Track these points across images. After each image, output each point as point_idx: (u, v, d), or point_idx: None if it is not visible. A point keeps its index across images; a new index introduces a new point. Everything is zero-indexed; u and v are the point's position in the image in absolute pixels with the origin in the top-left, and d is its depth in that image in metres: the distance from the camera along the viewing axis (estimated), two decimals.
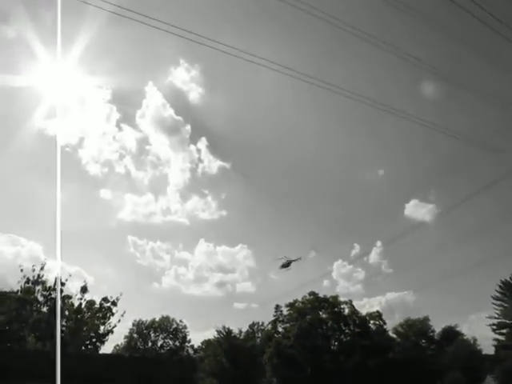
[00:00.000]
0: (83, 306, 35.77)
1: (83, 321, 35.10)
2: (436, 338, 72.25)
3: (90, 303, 36.18)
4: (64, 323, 34.44)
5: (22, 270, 34.41)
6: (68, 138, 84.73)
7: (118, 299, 36.57)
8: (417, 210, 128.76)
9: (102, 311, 36.18)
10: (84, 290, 36.09)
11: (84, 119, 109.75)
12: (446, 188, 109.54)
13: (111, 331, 36.18)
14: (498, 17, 19.83)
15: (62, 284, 35.39)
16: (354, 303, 67.40)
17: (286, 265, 50.02)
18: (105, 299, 36.63)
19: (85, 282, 37.27)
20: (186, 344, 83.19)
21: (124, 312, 37.22)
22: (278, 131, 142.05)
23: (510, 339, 61.45)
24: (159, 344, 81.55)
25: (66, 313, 34.54)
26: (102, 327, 35.97)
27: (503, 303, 65.99)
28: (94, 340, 35.51)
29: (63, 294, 35.14)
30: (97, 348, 35.38)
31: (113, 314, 36.21)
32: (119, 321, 36.29)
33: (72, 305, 35.42)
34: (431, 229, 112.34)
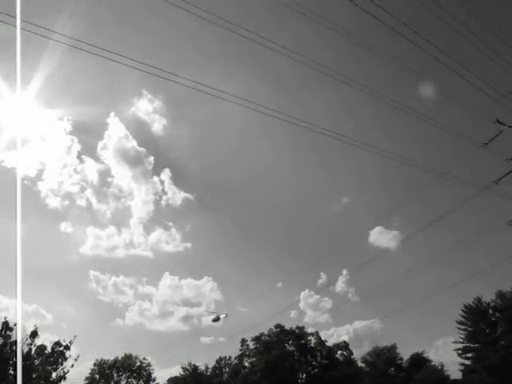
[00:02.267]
0: (33, 351, 33.66)
1: (33, 368, 32.98)
2: (404, 365, 72.08)
3: (41, 348, 34.12)
4: (11, 371, 32.24)
5: None
6: (27, 170, 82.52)
7: (71, 342, 34.58)
8: (381, 236, 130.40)
9: (54, 356, 34.14)
10: (34, 334, 34.04)
11: (44, 151, 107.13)
12: (409, 215, 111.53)
13: (64, 377, 34.06)
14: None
15: (10, 329, 33.32)
16: (322, 333, 66.83)
17: (216, 319, 51.16)
18: (57, 343, 34.62)
19: (35, 326, 35.15)
20: (151, 382, 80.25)
21: (78, 356, 35.18)
22: (244, 163, 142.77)
23: (476, 363, 61.73)
24: None
25: (14, 360, 32.37)
26: (53, 374, 33.84)
27: (467, 327, 66.56)
28: None
29: (10, 340, 33.07)
30: None
31: (66, 359, 34.17)
32: (72, 365, 34.23)
33: (22, 351, 33.26)
34: (395, 255, 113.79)
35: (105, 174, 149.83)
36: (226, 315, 50.09)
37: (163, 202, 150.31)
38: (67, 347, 36.62)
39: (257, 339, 61.07)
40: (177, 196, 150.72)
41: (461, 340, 67.09)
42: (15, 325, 33.84)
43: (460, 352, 67.09)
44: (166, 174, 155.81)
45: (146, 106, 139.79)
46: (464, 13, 21.33)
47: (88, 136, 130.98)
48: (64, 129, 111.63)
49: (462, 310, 67.12)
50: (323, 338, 63.53)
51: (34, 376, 34.76)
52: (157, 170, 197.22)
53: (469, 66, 22.15)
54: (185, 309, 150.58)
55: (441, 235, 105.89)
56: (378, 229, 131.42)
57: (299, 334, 60.47)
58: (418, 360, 70.80)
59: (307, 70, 19.41)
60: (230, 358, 78.46)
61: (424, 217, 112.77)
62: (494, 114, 23.36)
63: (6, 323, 35.12)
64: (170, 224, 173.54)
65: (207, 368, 73.94)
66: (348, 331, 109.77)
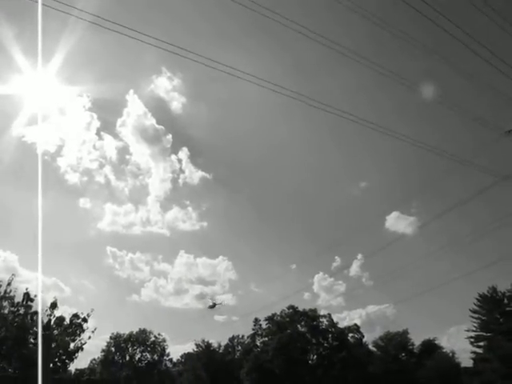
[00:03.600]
0: (52, 322, 34.57)
1: (52, 338, 33.89)
2: (415, 351, 72.33)
3: (60, 319, 35.01)
4: (32, 340, 33.20)
5: None
6: (46, 146, 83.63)
7: (89, 315, 35.23)
8: (398, 222, 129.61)
9: (72, 328, 35.04)
10: (53, 306, 34.87)
11: (64, 127, 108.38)
12: (427, 201, 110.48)
13: (81, 348, 34.95)
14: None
15: (31, 300, 34.23)
16: (335, 316, 67.30)
17: (212, 306, 53.80)
18: (75, 315, 35.43)
19: (55, 298, 35.94)
20: (165, 357, 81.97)
21: (95, 328, 35.83)
22: (262, 143, 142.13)
23: (488, 352, 61.64)
24: (137, 358, 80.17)
25: (34, 329, 33.31)
26: (71, 344, 34.78)
27: (481, 316, 66.33)
28: (63, 357, 34.31)
29: (31, 311, 34.00)
30: (66, 365, 34.22)
31: (83, 331, 35.04)
32: (90, 337, 35.02)
33: (42, 322, 34.14)
34: (412, 241, 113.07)
35: (123, 152, 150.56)
36: (221, 303, 53.54)
37: (180, 181, 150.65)
38: (85, 320, 37.60)
39: (270, 319, 61.75)
40: (194, 175, 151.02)
41: (474, 328, 66.96)
42: (35, 296, 34.95)
43: (472, 340, 67.01)
44: (183, 153, 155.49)
45: (165, 84, 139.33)
46: None
47: (107, 113, 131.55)
48: (83, 105, 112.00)
49: (477, 299, 66.84)
50: (335, 321, 64.04)
51: (53, 346, 35.93)
52: (175, 149, 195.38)
53: (497, 52, 21.62)
54: (199, 287, 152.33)
55: (458, 223, 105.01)
56: (394, 214, 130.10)
57: (312, 316, 60.98)
58: (430, 346, 70.94)
59: (327, 50, 19.18)
60: (242, 336, 79.70)
61: (442, 204, 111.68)
62: None
63: (27, 294, 36.14)
64: (187, 203, 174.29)
65: (220, 346, 75.27)
66: (360, 315, 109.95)
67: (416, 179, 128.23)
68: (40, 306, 34.10)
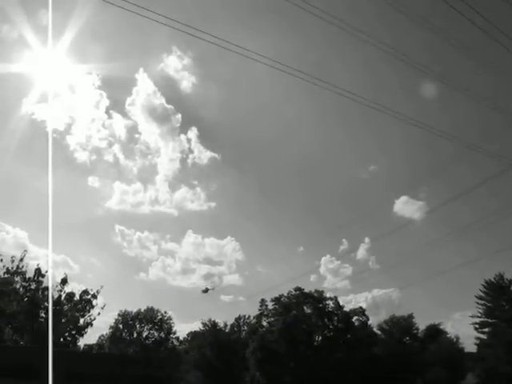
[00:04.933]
0: (63, 298, 35.40)
1: (62, 313, 34.77)
2: (420, 335, 72.92)
3: (70, 295, 35.84)
4: (43, 315, 34.05)
5: (1, 260, 33.85)
6: (56, 124, 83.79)
7: (98, 292, 36.18)
8: (406, 206, 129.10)
9: (82, 304, 35.87)
10: (64, 281, 35.70)
11: (73, 105, 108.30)
12: (437, 186, 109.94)
13: (91, 324, 35.84)
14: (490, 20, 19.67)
15: (42, 276, 34.98)
16: (341, 299, 67.76)
17: (205, 291, 55.60)
18: (85, 291, 36.29)
19: (65, 274, 36.76)
20: (171, 335, 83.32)
21: (104, 305, 36.87)
22: (272, 124, 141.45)
23: (492, 338, 62.03)
24: (144, 335, 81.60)
25: (45, 304, 34.17)
26: (81, 320, 35.64)
27: (486, 303, 66.57)
28: (73, 332, 35.21)
29: (42, 286, 34.79)
30: (75, 340, 35.18)
31: (93, 307, 35.87)
32: (99, 313, 35.92)
33: (52, 297, 35.00)
34: (419, 226, 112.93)
35: (132, 130, 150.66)
36: (213, 288, 55.35)
37: (189, 161, 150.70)
38: (94, 296, 38.47)
39: (276, 300, 62.35)
40: (203, 155, 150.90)
41: (479, 315, 67.28)
42: (46, 272, 35.63)
43: (477, 326, 67.40)
44: (193, 133, 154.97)
45: (175, 63, 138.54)
46: None
47: (116, 91, 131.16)
48: (93, 83, 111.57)
49: (483, 285, 67.00)
50: (341, 304, 64.54)
51: (63, 320, 36.82)
52: (184, 128, 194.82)
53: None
54: (206, 267, 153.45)
55: (466, 210, 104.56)
56: (403, 198, 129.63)
57: (318, 298, 61.48)
58: (434, 331, 71.48)
59: (337, 30, 19.08)
60: (248, 317, 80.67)
61: (451, 190, 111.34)
62: None
63: (38, 270, 36.98)
64: (195, 183, 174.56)
65: (226, 325, 76.28)
66: (366, 298, 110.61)
67: (426, 164, 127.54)
68: (50, 281, 34.91)
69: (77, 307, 36.32)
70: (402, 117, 31.01)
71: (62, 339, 34.46)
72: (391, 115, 25.82)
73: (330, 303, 62.24)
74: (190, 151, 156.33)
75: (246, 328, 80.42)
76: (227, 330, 77.00)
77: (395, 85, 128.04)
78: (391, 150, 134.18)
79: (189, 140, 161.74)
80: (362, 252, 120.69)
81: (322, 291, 63.73)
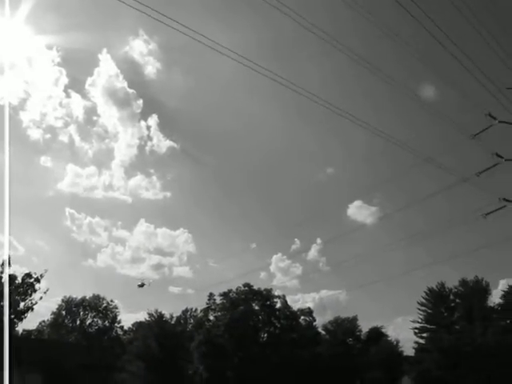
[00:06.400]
0: (3, 280, 33.97)
1: (1, 295, 33.39)
2: (362, 337, 74.97)
3: (12, 278, 34.45)
4: None
5: None
6: (9, 98, 79.91)
7: (42, 276, 34.94)
8: (359, 211, 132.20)
9: (24, 287, 34.56)
10: (6, 263, 34.25)
11: (29, 80, 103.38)
12: (391, 193, 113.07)
13: (31, 308, 34.60)
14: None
15: None
16: (289, 297, 68.57)
17: (141, 285, 56.35)
18: (28, 275, 34.97)
19: (8, 255, 35.25)
20: (116, 325, 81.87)
21: (47, 289, 35.67)
22: (234, 119, 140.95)
23: (429, 343, 64.61)
24: (88, 323, 79.78)
25: None
26: (21, 304, 34.35)
27: (427, 309, 69.32)
28: (12, 316, 33.84)
29: None
30: (13, 325, 33.85)
31: (35, 291, 34.64)
32: (41, 298, 34.73)
33: None
34: (371, 231, 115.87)
35: (91, 112, 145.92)
36: (149, 284, 55.68)
37: (147, 148, 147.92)
38: (37, 280, 37.13)
39: (224, 295, 62.28)
40: (162, 143, 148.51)
41: (419, 320, 70.16)
42: None
43: (416, 331, 70.26)
44: (153, 120, 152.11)
45: (140, 47, 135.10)
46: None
47: (77, 70, 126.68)
48: (52, 60, 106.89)
49: (425, 293, 69.80)
50: (289, 302, 65.32)
51: (1, 303, 35.34)
52: (144, 115, 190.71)
53: (472, 57, 22.19)
54: (157, 257, 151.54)
55: (418, 218, 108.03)
56: (357, 203, 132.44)
57: (266, 296, 61.95)
58: (376, 334, 73.66)
59: (308, 34, 19.18)
60: (195, 310, 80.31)
61: (404, 198, 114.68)
62: (489, 108, 23.60)
63: (6, 255, 35.16)
64: (152, 171, 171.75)
65: (172, 317, 75.57)
66: (314, 298, 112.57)
67: (382, 171, 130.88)
68: (7, 268, 33.33)
69: (18, 290, 34.99)
70: (362, 123, 31.64)
71: None
72: (352, 121, 26.26)
73: (278, 301, 62.88)
74: (149, 138, 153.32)
75: (192, 321, 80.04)
76: (173, 322, 76.33)
77: (362, 92, 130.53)
78: (351, 154, 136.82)
79: (148, 127, 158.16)
80: (313, 253, 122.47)
81: (271, 289, 64.38)
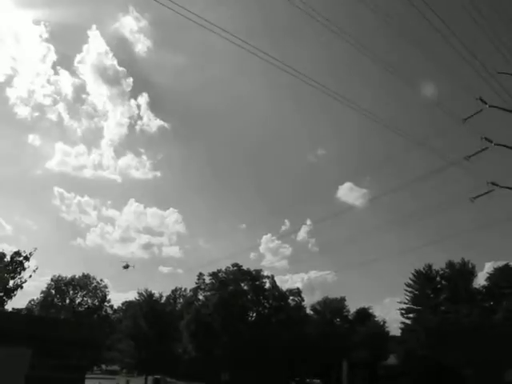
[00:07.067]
0: None
1: None
2: (350, 317, 76.13)
3: (0, 256, 34.31)
4: None
5: None
6: None
7: (31, 254, 34.76)
8: (350, 193, 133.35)
9: (13, 265, 34.42)
10: None
11: (17, 56, 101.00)
12: (381, 176, 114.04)
13: (21, 286, 34.52)
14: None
15: None
16: (278, 278, 69.26)
17: (126, 267, 57.17)
18: (17, 253, 34.80)
19: None
20: (106, 304, 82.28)
21: (36, 267, 35.52)
22: (226, 98, 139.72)
23: (415, 323, 65.80)
24: (77, 302, 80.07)
25: None
26: (11, 282, 34.25)
27: (414, 291, 70.49)
28: (0, 294, 33.81)
29: None
30: (3, 302, 33.82)
31: (24, 269, 34.52)
32: (30, 276, 34.63)
33: None
34: (360, 213, 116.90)
35: (80, 90, 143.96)
36: (134, 266, 56.83)
37: (137, 127, 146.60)
38: (27, 258, 36.92)
39: (214, 275, 62.71)
40: (152, 123, 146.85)
41: (406, 301, 71.36)
42: None
43: (403, 312, 71.54)
44: (143, 99, 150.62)
45: (131, 24, 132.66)
46: None
47: (65, 47, 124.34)
48: (40, 35, 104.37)
49: (413, 274, 70.86)
50: (278, 283, 65.92)
51: None
52: (135, 93, 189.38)
53: (464, 42, 22.12)
54: (147, 237, 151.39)
55: (408, 200, 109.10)
56: (347, 184, 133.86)
57: (255, 276, 62.45)
58: (364, 314, 74.83)
59: (303, 15, 18.97)
60: (185, 289, 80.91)
61: (394, 180, 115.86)
62: (480, 93, 23.64)
63: None
64: (142, 150, 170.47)
65: (161, 296, 76.10)
66: (303, 279, 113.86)
67: (374, 154, 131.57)
68: None
69: (7, 268, 34.84)
70: (355, 106, 31.68)
71: None
72: (345, 103, 26.22)
73: (267, 282, 63.43)
74: (139, 117, 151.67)
75: (181, 301, 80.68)
76: (163, 302, 76.89)
77: (355, 74, 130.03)
78: (342, 137, 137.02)
79: (139, 106, 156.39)
80: (302, 234, 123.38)
81: (261, 269, 64.88)
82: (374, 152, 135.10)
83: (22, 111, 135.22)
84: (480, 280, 69.54)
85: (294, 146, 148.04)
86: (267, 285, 63.53)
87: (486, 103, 22.84)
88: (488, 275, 67.92)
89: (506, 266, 66.21)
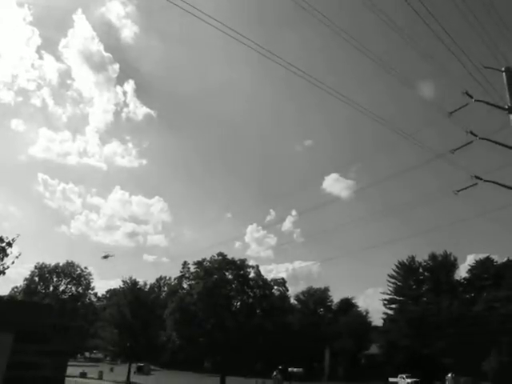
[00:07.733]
0: None
1: None
2: (333, 307, 77.02)
3: None
4: None
5: None
6: None
7: (14, 240, 34.15)
8: (335, 184, 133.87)
9: None
10: None
11: None
12: (367, 167, 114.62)
13: (3, 272, 34.01)
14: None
15: None
16: (263, 267, 69.46)
17: (105, 257, 57.49)
18: None
19: None
20: (90, 291, 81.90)
21: (19, 254, 34.86)
22: (212, 86, 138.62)
23: (397, 314, 66.80)
24: (61, 289, 79.54)
25: None
26: None
27: (397, 282, 71.42)
28: None
29: None
30: None
31: (6, 255, 33.97)
32: (13, 262, 34.05)
33: None
34: (346, 204, 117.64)
35: (65, 75, 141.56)
36: (114, 255, 56.94)
37: (123, 115, 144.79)
38: (9, 244, 36.63)
39: (198, 264, 62.42)
40: (138, 110, 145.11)
41: (389, 292, 72.27)
42: None
43: (385, 302, 72.48)
44: (130, 86, 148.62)
45: (117, 9, 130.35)
46: None
47: (50, 30, 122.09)
48: (24, 18, 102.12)
49: (396, 265, 71.75)
50: (263, 273, 66.09)
51: None
52: (121, 80, 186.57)
53: (452, 35, 22.15)
54: (131, 225, 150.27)
55: (393, 192, 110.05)
56: (333, 175, 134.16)
57: (240, 265, 62.37)
58: (347, 304, 75.79)
59: (293, 5, 18.82)
60: (169, 278, 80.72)
61: (380, 172, 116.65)
62: (466, 87, 23.75)
63: None
64: (128, 138, 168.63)
65: (146, 284, 75.87)
66: (287, 269, 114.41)
67: (361, 145, 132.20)
68: None
69: None
70: (343, 98, 31.65)
71: None
72: (334, 95, 26.20)
73: (252, 271, 63.50)
74: (125, 105, 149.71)
75: (166, 289, 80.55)
76: (147, 290, 76.69)
77: (345, 66, 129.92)
78: (329, 128, 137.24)
79: (125, 93, 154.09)
80: (287, 224, 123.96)
81: (245, 259, 64.83)
82: (361, 144, 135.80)
83: (5, 96, 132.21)
84: (462, 272, 70.82)
85: (282, 136, 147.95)
86: (252, 274, 63.63)
87: (472, 97, 22.98)
88: (469, 267, 69.13)
89: (487, 258, 67.39)
